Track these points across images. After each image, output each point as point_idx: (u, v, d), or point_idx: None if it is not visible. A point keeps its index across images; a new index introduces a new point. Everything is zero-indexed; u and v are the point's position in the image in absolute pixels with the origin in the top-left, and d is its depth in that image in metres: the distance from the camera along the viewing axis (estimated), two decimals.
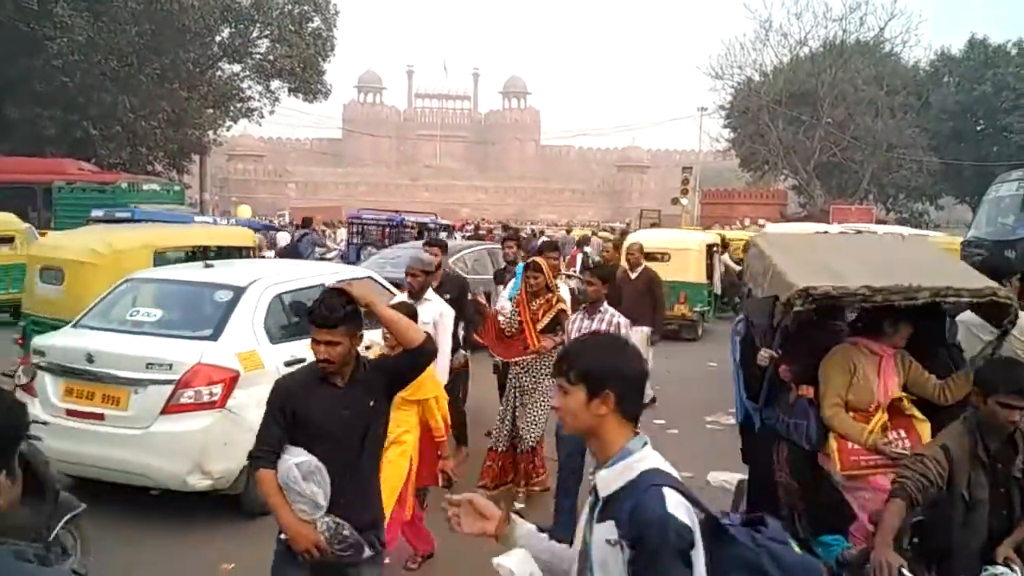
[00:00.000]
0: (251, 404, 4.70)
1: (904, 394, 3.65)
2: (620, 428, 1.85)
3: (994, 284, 3.51)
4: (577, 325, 5.30)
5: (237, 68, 33.83)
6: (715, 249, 14.79)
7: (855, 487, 3.51)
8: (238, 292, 5.47)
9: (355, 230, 18.18)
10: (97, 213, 12.96)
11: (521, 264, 6.33)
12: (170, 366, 4.92)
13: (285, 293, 5.70)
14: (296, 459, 2.82)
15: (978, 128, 43.51)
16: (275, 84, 33.82)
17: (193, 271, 6.23)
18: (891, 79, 41.44)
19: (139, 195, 17.26)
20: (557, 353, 2.80)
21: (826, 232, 12.29)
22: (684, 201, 34.56)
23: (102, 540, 4.33)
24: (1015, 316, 3.54)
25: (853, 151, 41.65)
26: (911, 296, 3.33)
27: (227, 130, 38.52)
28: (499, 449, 5.61)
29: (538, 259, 5.94)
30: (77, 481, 5.04)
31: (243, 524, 5.08)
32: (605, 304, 5.30)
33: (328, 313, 2.80)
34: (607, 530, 1.76)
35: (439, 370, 5.10)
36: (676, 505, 1.72)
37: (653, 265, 12.46)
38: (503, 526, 1.97)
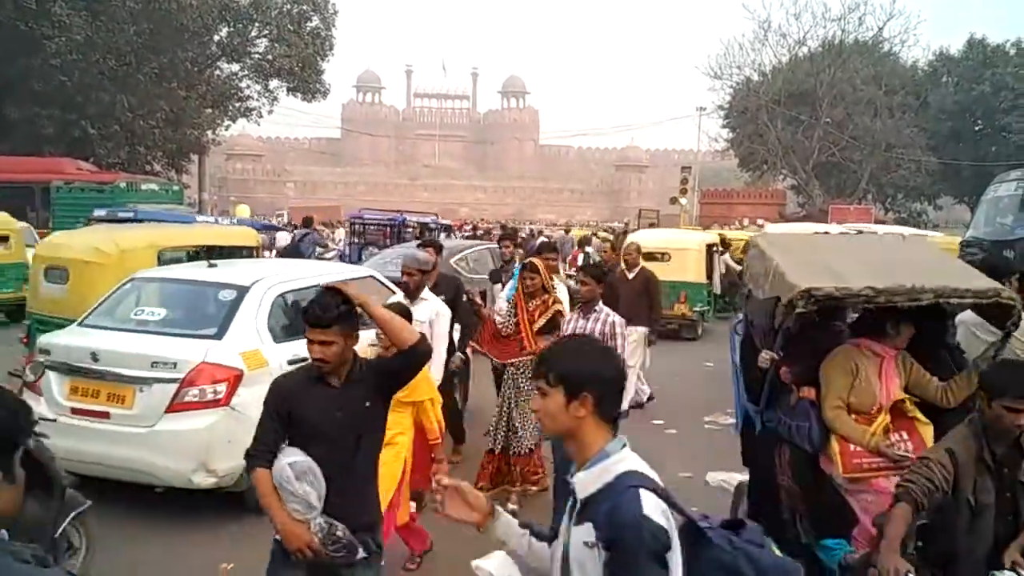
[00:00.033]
0: (255, 403, 4.64)
1: (907, 396, 3.63)
2: (598, 430, 1.85)
3: (998, 285, 3.48)
4: (572, 325, 5.29)
5: (236, 67, 33.81)
6: (715, 249, 14.80)
7: (857, 490, 3.48)
8: (242, 291, 5.51)
9: (357, 230, 18.16)
10: (100, 213, 12.97)
11: (519, 264, 6.33)
12: (175, 365, 4.96)
13: (288, 292, 5.71)
14: (290, 459, 2.81)
15: (976, 128, 43.54)
16: (274, 83, 33.79)
17: (197, 270, 6.27)
18: (890, 79, 41.47)
19: (138, 195, 17.25)
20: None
21: (827, 232, 12.30)
22: (683, 201, 34.56)
23: (104, 538, 4.36)
24: (1019, 317, 3.51)
25: (852, 151, 41.68)
26: (914, 297, 3.30)
27: (226, 130, 38.51)
28: (496, 451, 5.61)
29: (535, 260, 5.94)
30: (80, 479, 5.05)
31: (243, 523, 5.08)
32: (600, 304, 5.30)
33: (322, 313, 2.79)
34: (585, 532, 1.77)
35: (434, 369, 5.10)
36: (652, 507, 1.72)
37: (653, 265, 12.50)
38: (487, 518, 1.96)
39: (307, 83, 33.07)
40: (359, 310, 2.87)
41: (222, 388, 4.95)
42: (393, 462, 4.03)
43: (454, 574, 4.56)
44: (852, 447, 3.48)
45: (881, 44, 43.71)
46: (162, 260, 7.49)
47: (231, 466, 4.94)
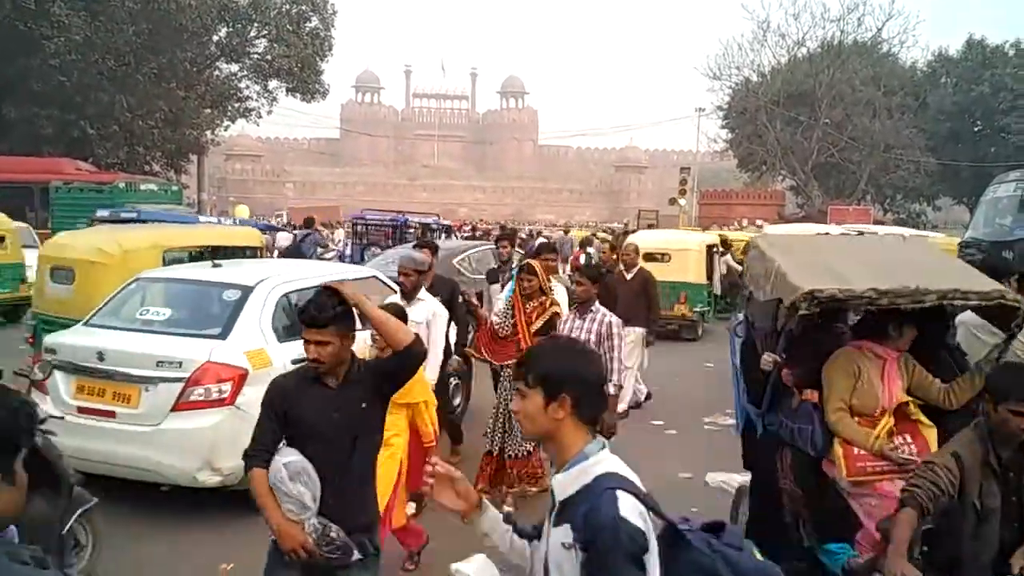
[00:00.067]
0: (259, 402, 4.76)
1: (911, 398, 3.60)
2: (578, 432, 1.85)
3: (1001, 287, 3.45)
4: (569, 325, 5.29)
5: (235, 68, 33.79)
6: (715, 250, 14.82)
7: (861, 493, 3.45)
8: (246, 291, 5.55)
9: (359, 231, 18.23)
10: (103, 213, 13.00)
11: (516, 265, 6.33)
12: (180, 364, 5.01)
13: (292, 292, 5.74)
14: (284, 459, 2.81)
15: (976, 129, 43.58)
16: (273, 84, 33.79)
17: (201, 271, 6.31)
18: (889, 80, 41.52)
19: (137, 195, 17.24)
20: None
21: (827, 233, 12.32)
22: (682, 201, 34.59)
23: (110, 536, 4.39)
24: (1023, 319, 3.49)
25: (851, 152, 41.72)
26: (918, 299, 3.28)
27: (225, 130, 38.49)
28: (494, 452, 5.60)
29: (532, 262, 5.93)
30: (86, 477, 5.08)
31: (247, 522, 5.06)
32: (597, 304, 5.29)
33: (317, 313, 2.79)
34: (563, 534, 1.77)
35: (429, 370, 5.11)
36: (630, 509, 1.72)
37: (653, 265, 12.52)
38: (473, 510, 1.96)
39: (306, 83, 33.06)
40: (355, 310, 2.87)
41: (227, 387, 4.99)
42: (389, 463, 4.02)
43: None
44: (856, 450, 3.45)
45: (880, 45, 43.77)
46: (167, 260, 7.55)
47: (236, 465, 4.93)
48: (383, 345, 3.27)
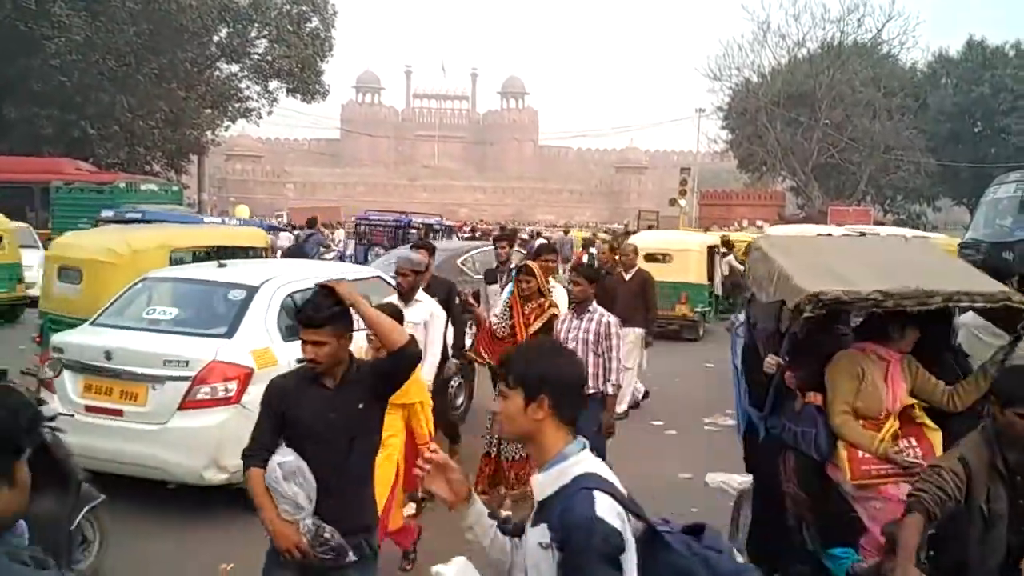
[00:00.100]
0: None
1: (916, 401, 3.57)
2: (557, 432, 1.86)
3: (1007, 288, 3.42)
4: (567, 325, 5.28)
5: (235, 68, 33.82)
6: (716, 250, 14.84)
7: (865, 497, 3.41)
8: (251, 291, 5.61)
9: (363, 231, 18.35)
10: (107, 213, 13.08)
11: (514, 266, 6.32)
12: (187, 363, 5.07)
13: (297, 292, 5.76)
14: (279, 459, 2.82)
15: (976, 130, 43.60)
16: (273, 84, 33.83)
17: (207, 270, 6.36)
18: (889, 80, 41.54)
19: (137, 195, 17.26)
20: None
21: (829, 234, 12.32)
22: (682, 202, 34.58)
23: (116, 533, 4.44)
24: None
25: (851, 152, 41.74)
26: (923, 301, 3.25)
27: (225, 130, 38.52)
28: (491, 454, 5.60)
29: (530, 263, 5.93)
30: (93, 475, 5.12)
31: (253, 520, 5.09)
32: (594, 304, 5.28)
33: (313, 313, 2.79)
34: (540, 533, 1.77)
35: (426, 370, 5.10)
36: (606, 509, 1.72)
37: (655, 266, 12.54)
38: (462, 502, 1.96)
39: (306, 84, 33.09)
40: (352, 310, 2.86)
41: (233, 386, 5.04)
42: (386, 464, 4.01)
43: None
44: (860, 453, 3.41)
45: (880, 46, 43.79)
46: (173, 260, 7.63)
47: (242, 463, 5.02)
48: (379, 345, 3.28)
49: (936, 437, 3.48)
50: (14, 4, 23.32)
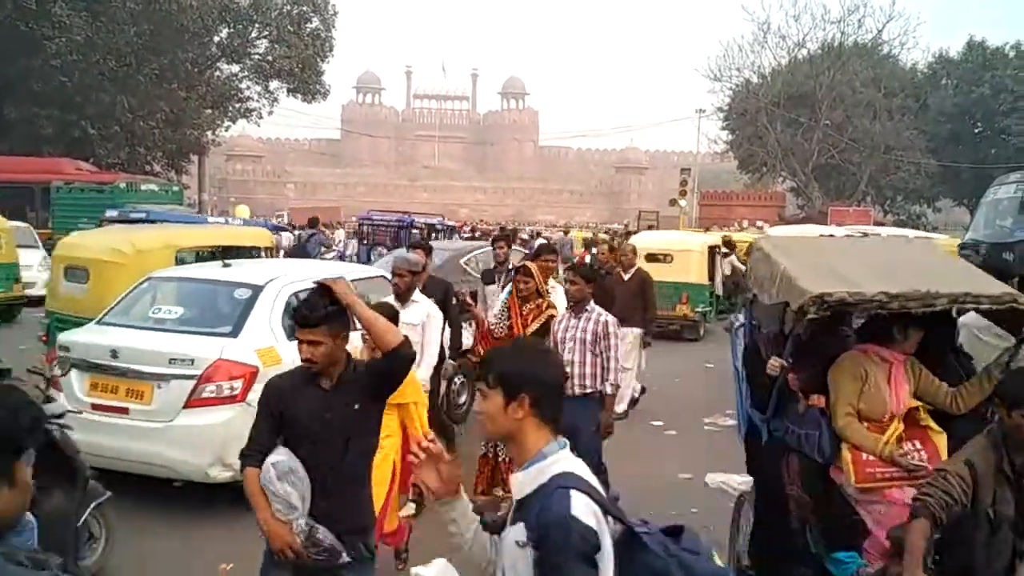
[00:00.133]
0: None
1: (920, 404, 3.54)
2: (538, 432, 1.87)
3: (1013, 290, 3.39)
4: (564, 325, 5.27)
5: (236, 68, 33.85)
6: (717, 250, 14.86)
7: (869, 500, 3.38)
8: (256, 290, 5.66)
9: (365, 231, 18.48)
10: (112, 213, 13.13)
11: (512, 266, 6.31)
12: (192, 362, 5.12)
13: (301, 291, 5.79)
14: (273, 459, 2.83)
15: (976, 130, 43.59)
16: (274, 84, 33.85)
17: (212, 270, 6.41)
18: (889, 81, 41.53)
19: (137, 195, 17.27)
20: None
21: (832, 235, 12.31)
22: (682, 203, 34.58)
23: (122, 530, 4.48)
24: None
25: (851, 153, 41.72)
26: (929, 302, 3.22)
27: (225, 130, 38.53)
28: (489, 455, 5.60)
29: (529, 263, 5.93)
30: (97, 472, 5.16)
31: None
32: (592, 303, 5.27)
33: (309, 312, 2.79)
34: (517, 532, 1.79)
35: (423, 370, 5.11)
36: (582, 508, 1.73)
37: (656, 266, 12.58)
38: (449, 496, 1.97)
39: (307, 84, 33.11)
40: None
41: (238, 384, 5.08)
42: (383, 465, 4.00)
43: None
44: (865, 456, 3.38)
45: (880, 46, 43.76)
46: (178, 260, 7.70)
47: None
48: (374, 345, 3.28)
49: (941, 440, 3.44)
50: (15, 4, 23.32)
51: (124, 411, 5.19)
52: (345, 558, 2.84)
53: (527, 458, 1.86)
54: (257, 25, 31.59)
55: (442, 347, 5.85)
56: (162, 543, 4.86)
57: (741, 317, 4.82)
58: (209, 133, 34.10)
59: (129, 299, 6.05)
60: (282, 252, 15.77)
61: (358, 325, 2.95)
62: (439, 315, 5.57)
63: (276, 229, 18.55)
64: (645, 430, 8.05)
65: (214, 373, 5.08)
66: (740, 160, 48.13)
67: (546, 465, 1.83)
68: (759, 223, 29.87)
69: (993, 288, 3.38)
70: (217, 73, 33.34)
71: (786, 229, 20.88)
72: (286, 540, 2.78)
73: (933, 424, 3.51)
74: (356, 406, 2.85)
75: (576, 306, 5.27)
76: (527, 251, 11.99)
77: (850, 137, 40.94)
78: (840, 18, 42.77)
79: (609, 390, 5.20)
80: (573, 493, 1.74)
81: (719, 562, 1.90)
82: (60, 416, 4.00)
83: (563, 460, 1.84)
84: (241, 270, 6.26)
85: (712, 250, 14.61)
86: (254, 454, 2.88)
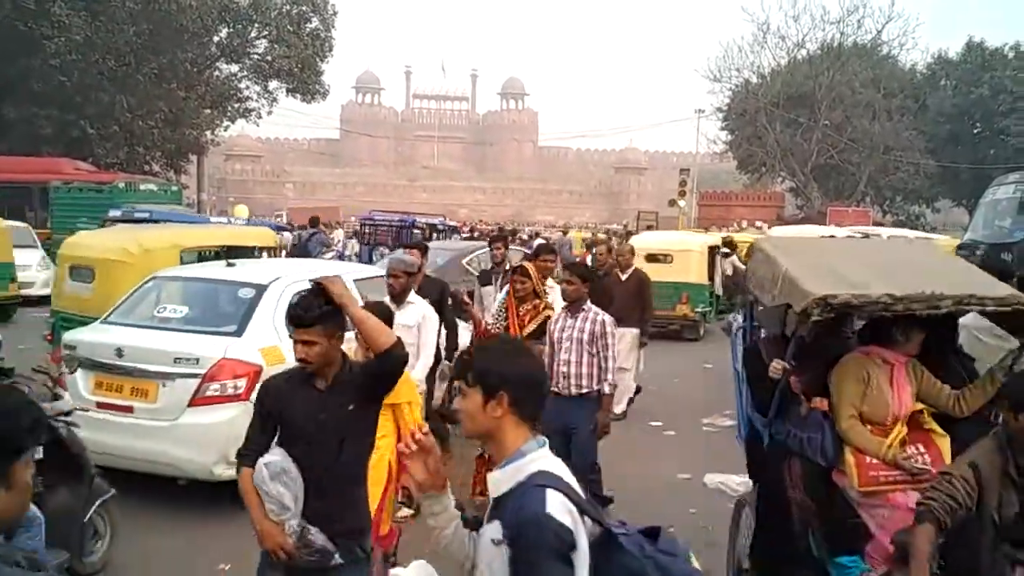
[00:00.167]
0: None
1: (924, 407, 3.51)
2: (517, 430, 1.87)
3: (1018, 292, 3.36)
4: (560, 325, 5.25)
5: (235, 68, 33.82)
6: (717, 251, 14.90)
7: (872, 504, 3.35)
8: (260, 290, 5.71)
9: (367, 231, 18.53)
10: (115, 213, 13.15)
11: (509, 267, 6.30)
12: (197, 360, 5.17)
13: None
14: (266, 459, 2.83)
15: (975, 131, 43.59)
16: (273, 84, 33.83)
17: (216, 270, 6.47)
18: (888, 82, 41.52)
19: (136, 195, 17.24)
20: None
21: (833, 236, 12.32)
22: (681, 203, 34.60)
23: (126, 528, 4.54)
24: None
25: (850, 153, 41.73)
26: (934, 305, 3.19)
27: (225, 130, 38.50)
28: (485, 455, 5.60)
29: (526, 264, 5.91)
30: (102, 469, 5.20)
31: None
32: (588, 303, 5.25)
33: (303, 312, 2.79)
34: (493, 530, 1.79)
35: (418, 371, 5.10)
36: (557, 506, 1.73)
37: (656, 266, 12.60)
38: (435, 490, 1.97)
39: (306, 84, 33.09)
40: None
41: (242, 383, 5.12)
42: (378, 466, 3.99)
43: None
44: (868, 459, 3.35)
45: (880, 47, 43.76)
46: (184, 260, 7.76)
47: None
48: (367, 345, 3.28)
49: (944, 443, 3.41)
50: (14, 4, 23.31)
51: (129, 409, 5.24)
52: (337, 559, 2.83)
53: (505, 456, 1.86)
54: (256, 25, 31.57)
55: (438, 348, 5.84)
56: (166, 541, 4.89)
57: (740, 318, 4.79)
58: (208, 133, 34.08)
59: (134, 298, 6.11)
60: (283, 252, 15.81)
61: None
62: (435, 317, 5.54)
63: (277, 229, 18.60)
64: (644, 430, 8.05)
65: (218, 372, 5.13)
66: (739, 160, 48.11)
67: (524, 464, 1.83)
68: (758, 223, 29.83)
69: (997, 290, 3.35)
70: (216, 73, 33.32)
71: (786, 230, 20.89)
72: (278, 541, 2.78)
73: (936, 427, 3.48)
74: (351, 407, 2.84)
75: (572, 306, 5.25)
76: (527, 251, 12.00)
77: (849, 137, 40.95)
78: (839, 19, 42.81)
79: (607, 390, 5.19)
80: (549, 492, 1.74)
81: (696, 564, 1.90)
82: (67, 414, 4.03)
83: (541, 459, 1.84)
84: (245, 270, 6.30)
85: (712, 250, 14.63)
86: (249, 454, 2.89)
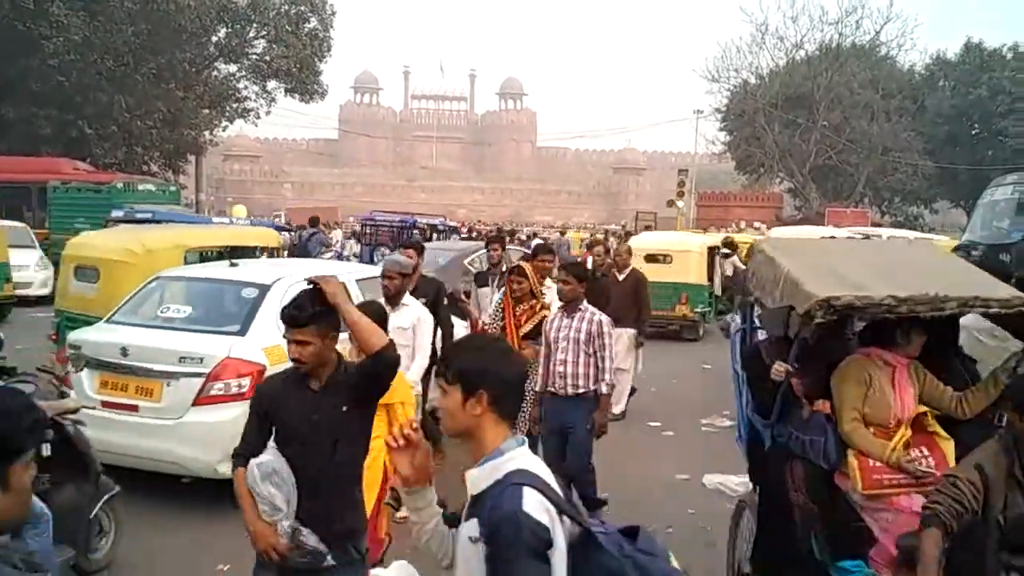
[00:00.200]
0: None
1: (928, 409, 3.49)
2: (496, 428, 1.88)
3: (1022, 294, 3.32)
4: (556, 324, 5.24)
5: (233, 68, 33.81)
6: (716, 251, 14.93)
7: (875, 508, 3.31)
8: (263, 289, 5.75)
9: (368, 231, 18.71)
10: (117, 213, 13.18)
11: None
12: (201, 360, 5.22)
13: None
14: (258, 459, 2.83)
15: (973, 132, 43.66)
16: (271, 84, 33.85)
17: (220, 270, 6.50)
18: (887, 83, 41.59)
19: (135, 195, 17.23)
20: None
21: (833, 237, 12.32)
22: (680, 203, 34.65)
23: (129, 526, 4.55)
24: None
25: (848, 154, 41.79)
26: (938, 307, 3.15)
27: (223, 130, 38.50)
28: None
29: (523, 264, 5.91)
30: (106, 467, 5.22)
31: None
32: (585, 303, 5.25)
33: (296, 312, 2.79)
34: (470, 527, 1.79)
35: (413, 371, 5.09)
36: (534, 504, 1.73)
37: (656, 266, 12.63)
38: (419, 485, 1.98)
39: (305, 84, 33.10)
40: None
41: (246, 382, 5.15)
42: (373, 467, 3.98)
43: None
44: (872, 462, 3.31)
45: (878, 48, 43.83)
46: (187, 260, 7.82)
47: None
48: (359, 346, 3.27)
49: (948, 447, 3.38)
50: (12, 4, 23.27)
51: (134, 408, 5.29)
52: (330, 561, 2.82)
53: (484, 454, 1.87)
54: (255, 25, 31.56)
55: (434, 348, 5.84)
56: (171, 538, 4.92)
57: (738, 319, 4.77)
58: (207, 133, 34.07)
59: (137, 298, 6.16)
60: (284, 252, 15.85)
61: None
62: (430, 318, 5.52)
63: (282, 229, 18.66)
64: (642, 431, 8.06)
65: (222, 371, 5.17)
66: (738, 161, 48.15)
67: (502, 462, 1.83)
68: (757, 224, 29.88)
69: (1001, 292, 3.32)
70: (215, 73, 33.30)
71: (786, 230, 20.91)
72: (270, 542, 2.79)
73: (940, 430, 3.45)
74: (344, 408, 2.84)
75: (569, 306, 5.24)
76: (527, 251, 12.02)
77: (848, 138, 41.00)
78: (838, 19, 42.89)
79: (605, 390, 5.18)
80: (526, 490, 1.74)
81: (676, 564, 1.89)
82: (74, 412, 4.07)
83: (519, 457, 1.85)
84: (248, 270, 6.36)
85: (711, 251, 14.66)
86: (243, 454, 2.90)
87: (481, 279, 7.71)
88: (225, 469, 5.02)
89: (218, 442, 5.02)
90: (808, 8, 66.35)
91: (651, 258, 13.46)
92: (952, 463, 3.27)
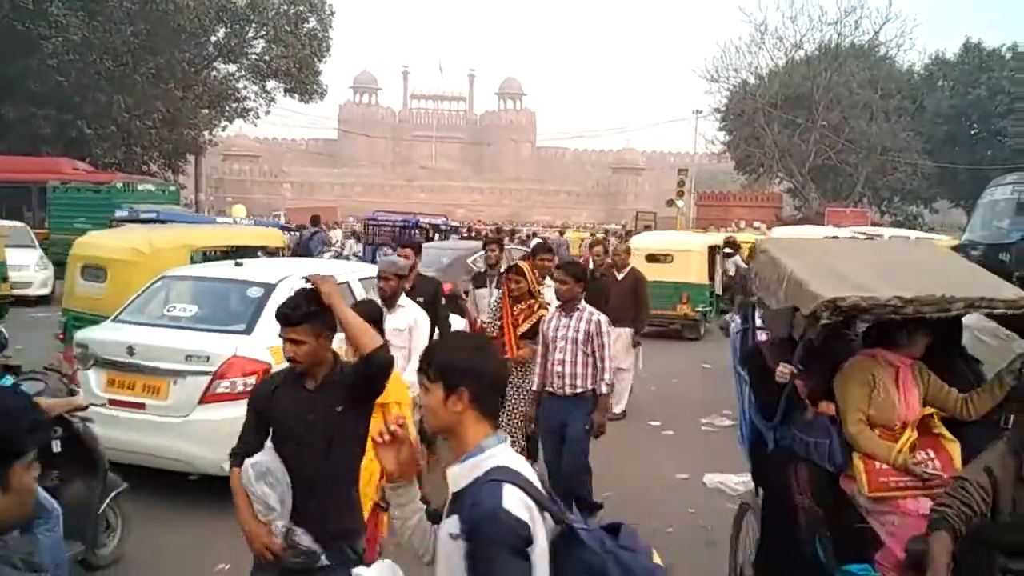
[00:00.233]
0: None
1: (934, 411, 3.46)
2: (477, 426, 1.88)
3: None
4: (554, 324, 5.22)
5: (233, 68, 33.82)
6: (717, 250, 14.95)
7: (881, 511, 3.27)
8: (269, 288, 5.78)
9: (370, 231, 18.84)
10: (121, 213, 13.20)
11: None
12: (207, 358, 5.27)
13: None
14: (253, 459, 2.83)
15: (972, 132, 43.68)
16: (271, 84, 33.87)
17: (225, 269, 6.54)
18: (886, 83, 41.60)
19: (134, 195, 17.24)
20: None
21: (835, 237, 12.32)
22: (679, 203, 34.63)
23: (136, 522, 4.59)
24: None
25: (848, 154, 41.79)
26: (944, 308, 3.13)
27: (222, 130, 38.50)
28: None
29: (521, 263, 5.90)
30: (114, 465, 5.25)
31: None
32: (583, 302, 5.23)
33: (290, 311, 2.80)
34: (451, 524, 1.79)
35: (411, 370, 5.07)
36: (514, 501, 1.73)
37: (656, 266, 12.64)
38: (404, 480, 1.98)
39: (304, 84, 33.11)
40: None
41: (252, 380, 5.17)
42: (370, 467, 3.99)
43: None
44: (878, 465, 3.27)
45: (877, 48, 43.83)
46: (193, 260, 7.87)
47: None
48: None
49: (955, 449, 3.35)
50: (11, 4, 23.26)
51: (141, 406, 5.33)
52: (324, 561, 2.82)
53: (465, 451, 1.87)
54: (254, 25, 31.57)
55: None
56: (177, 535, 4.95)
57: (738, 320, 4.75)
58: (206, 133, 34.06)
59: (143, 297, 6.20)
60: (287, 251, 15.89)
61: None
62: (426, 320, 5.50)
63: (285, 229, 18.73)
64: (642, 430, 8.06)
65: (228, 369, 5.22)
66: (737, 161, 48.14)
67: (482, 459, 1.83)
68: (756, 224, 29.87)
69: (1007, 292, 3.30)
70: (214, 73, 33.31)
71: (786, 230, 20.92)
72: (264, 542, 2.79)
73: (946, 432, 3.41)
74: (339, 408, 2.83)
75: (566, 305, 5.21)
76: (527, 250, 12.04)
77: (847, 138, 41.01)
78: (837, 19, 42.84)
79: (604, 389, 5.17)
80: (506, 487, 1.74)
81: (658, 560, 1.89)
82: (83, 408, 4.09)
83: (500, 454, 1.85)
84: (253, 269, 6.41)
85: (712, 250, 14.67)
86: (240, 453, 2.91)
87: (479, 280, 7.70)
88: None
89: (224, 440, 4.99)
90: (807, 8, 66.66)
91: (652, 258, 13.47)
92: (958, 465, 3.24)
